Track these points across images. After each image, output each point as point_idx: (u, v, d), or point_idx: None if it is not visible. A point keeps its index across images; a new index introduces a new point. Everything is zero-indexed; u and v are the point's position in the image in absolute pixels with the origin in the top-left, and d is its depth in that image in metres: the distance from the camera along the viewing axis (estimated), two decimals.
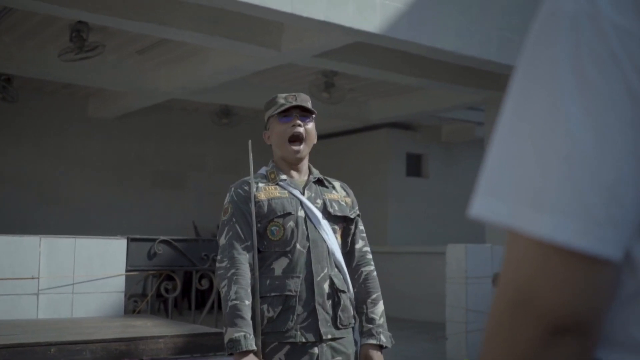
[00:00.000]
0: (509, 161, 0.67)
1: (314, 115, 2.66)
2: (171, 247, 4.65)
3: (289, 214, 2.53)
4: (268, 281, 2.49)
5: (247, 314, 2.37)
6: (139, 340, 3.24)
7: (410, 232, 11.66)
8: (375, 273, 2.70)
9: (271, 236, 2.52)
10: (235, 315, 2.35)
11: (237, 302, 2.37)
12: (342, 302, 2.55)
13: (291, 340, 2.44)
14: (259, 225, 2.51)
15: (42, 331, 3.41)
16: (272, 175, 2.62)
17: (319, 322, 2.47)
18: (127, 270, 4.41)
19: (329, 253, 2.56)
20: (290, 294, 2.47)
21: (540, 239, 0.63)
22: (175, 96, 9.66)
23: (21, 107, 10.02)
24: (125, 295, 4.41)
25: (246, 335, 2.33)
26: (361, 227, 2.74)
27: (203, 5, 6.20)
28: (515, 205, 0.65)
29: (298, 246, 2.51)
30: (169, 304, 4.99)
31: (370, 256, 2.72)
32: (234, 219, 2.52)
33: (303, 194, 2.59)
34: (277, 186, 2.59)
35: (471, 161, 12.39)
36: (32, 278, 4.04)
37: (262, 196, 2.55)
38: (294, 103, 2.60)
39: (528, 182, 0.65)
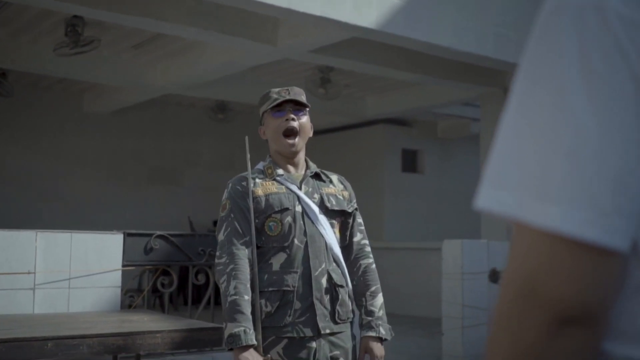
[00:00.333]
0: (515, 153, 0.67)
1: (307, 109, 2.66)
2: (168, 242, 4.65)
3: (287, 209, 2.53)
4: (266, 276, 2.49)
5: (247, 309, 2.37)
6: (136, 334, 3.23)
7: (406, 228, 11.67)
8: (374, 266, 2.70)
9: (269, 231, 2.52)
10: (234, 310, 2.36)
11: (237, 297, 2.37)
12: (340, 297, 2.55)
13: (289, 335, 2.45)
14: (256, 220, 2.51)
15: (38, 326, 3.40)
16: (269, 171, 2.62)
17: (317, 317, 2.47)
18: (123, 265, 4.41)
19: (327, 248, 2.56)
20: (288, 289, 2.47)
21: (547, 230, 0.63)
22: (171, 91, 9.64)
23: (16, 102, 9.99)
24: (121, 290, 4.41)
25: (246, 330, 2.33)
26: (359, 220, 2.75)
27: (199, 0, 6.19)
28: (521, 197, 0.65)
29: (296, 241, 2.51)
30: (165, 299, 4.99)
31: (368, 249, 2.73)
32: (232, 215, 2.52)
33: (300, 188, 2.59)
34: (274, 181, 2.59)
35: (467, 157, 12.40)
36: (29, 273, 4.03)
37: (260, 192, 2.54)
38: (287, 97, 2.60)
39: (534, 173, 0.65)
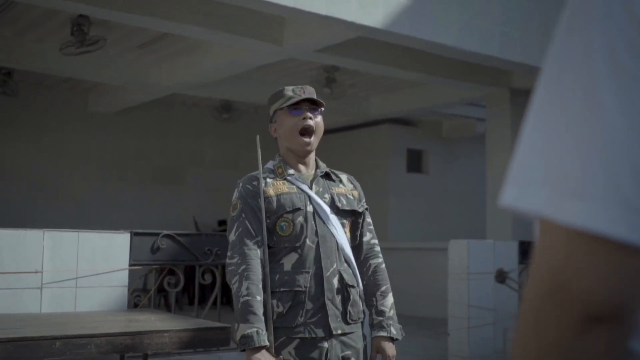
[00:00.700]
0: (542, 149, 0.66)
1: (322, 108, 2.65)
2: (174, 242, 4.64)
3: (298, 209, 2.52)
4: (277, 276, 2.47)
5: (259, 309, 2.36)
6: (143, 334, 3.23)
7: (411, 228, 11.67)
8: (384, 265, 2.69)
9: (280, 232, 2.51)
10: (247, 311, 2.34)
11: (249, 298, 2.36)
12: (351, 297, 2.54)
13: (300, 335, 2.44)
14: (268, 220, 2.50)
15: (46, 325, 3.40)
16: (280, 170, 2.60)
17: (329, 317, 2.46)
18: (130, 265, 4.40)
19: (338, 248, 2.55)
20: (300, 289, 2.46)
21: (574, 227, 0.62)
22: (176, 91, 9.64)
23: (21, 101, 10.00)
24: (128, 290, 4.41)
25: (259, 331, 2.32)
26: (369, 219, 2.74)
27: None
28: (548, 194, 0.64)
29: (307, 241, 2.50)
30: (172, 298, 4.99)
31: (378, 248, 2.72)
32: (243, 215, 2.51)
33: (311, 188, 2.58)
34: (285, 181, 2.57)
35: (472, 157, 12.39)
36: (36, 272, 4.03)
37: (271, 191, 2.53)
38: (305, 96, 2.59)
39: (561, 170, 0.64)
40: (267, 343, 2.33)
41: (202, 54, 8.41)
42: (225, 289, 8.86)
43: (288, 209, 2.51)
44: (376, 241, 2.73)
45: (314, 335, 2.44)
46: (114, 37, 8.02)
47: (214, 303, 5.06)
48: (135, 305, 4.72)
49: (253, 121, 12.14)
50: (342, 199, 2.62)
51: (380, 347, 2.55)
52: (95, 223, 8.84)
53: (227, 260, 2.49)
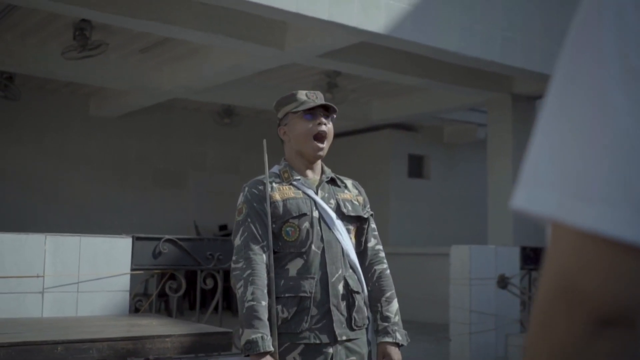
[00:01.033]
0: (553, 151, 0.65)
1: (334, 115, 2.66)
2: (176, 247, 4.63)
3: (305, 214, 2.51)
4: (282, 282, 2.47)
5: (264, 315, 2.35)
6: (145, 339, 3.22)
7: (412, 233, 11.66)
8: (388, 271, 2.68)
9: (286, 237, 2.50)
10: (252, 316, 2.33)
11: (254, 303, 2.35)
12: (356, 303, 2.53)
13: (305, 341, 2.43)
14: (273, 225, 2.49)
15: (47, 329, 3.39)
16: (286, 175, 2.60)
17: (334, 324, 2.46)
18: (132, 269, 4.40)
19: (344, 254, 2.54)
20: (305, 295, 2.45)
21: (586, 230, 0.62)
22: (178, 95, 9.65)
23: (23, 106, 10.01)
24: (130, 295, 4.40)
25: (264, 336, 2.31)
26: (373, 225, 2.73)
27: (207, 3, 6.19)
28: (560, 196, 0.64)
29: (313, 247, 2.49)
30: (174, 303, 4.98)
31: (383, 254, 2.71)
32: (249, 219, 2.50)
33: (316, 193, 2.57)
34: (290, 186, 2.57)
35: (473, 162, 12.39)
36: (37, 276, 4.02)
37: (277, 196, 2.52)
38: (320, 102, 2.60)
39: (573, 172, 0.63)
40: (271, 349, 2.32)
41: (203, 58, 8.41)
42: (226, 294, 8.85)
43: (294, 214, 2.50)
44: (381, 247, 2.73)
45: (318, 342, 2.43)
46: (115, 41, 8.03)
47: (215, 308, 5.05)
48: (137, 310, 4.71)
49: (254, 126, 12.15)
50: (347, 204, 2.62)
51: (386, 353, 2.53)
52: (96, 227, 8.84)
53: (232, 265, 2.48)
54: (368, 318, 2.60)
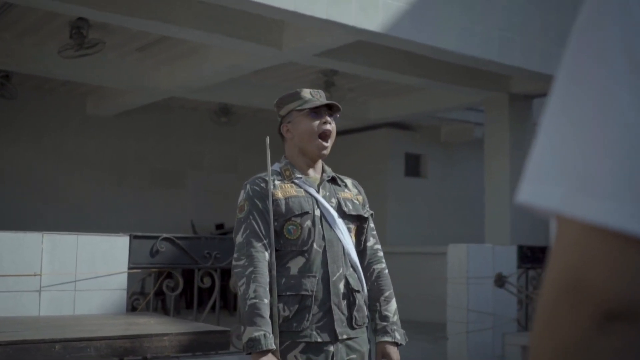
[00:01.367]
0: (559, 146, 0.65)
1: (337, 115, 2.66)
2: (174, 245, 4.63)
3: (307, 213, 2.51)
4: (284, 280, 2.46)
5: (266, 312, 2.35)
6: (143, 337, 3.22)
7: (409, 232, 11.66)
8: (387, 271, 2.69)
9: (288, 235, 2.50)
10: (254, 314, 2.33)
11: (256, 300, 2.35)
12: (357, 302, 2.54)
13: (306, 339, 2.43)
14: (275, 223, 2.49)
15: (45, 328, 3.39)
16: (287, 173, 2.60)
17: (335, 322, 2.46)
18: (129, 268, 4.39)
19: (345, 253, 2.55)
20: (307, 293, 2.45)
21: (592, 224, 0.62)
22: (175, 94, 9.64)
23: (20, 104, 9.99)
24: (127, 293, 4.39)
25: (266, 334, 2.31)
26: (372, 225, 2.74)
27: (205, 2, 6.18)
28: (565, 191, 0.64)
29: (315, 246, 2.49)
30: (171, 302, 4.97)
31: (381, 254, 2.72)
32: (251, 217, 2.49)
33: (318, 192, 2.57)
34: (292, 184, 2.57)
35: (470, 162, 12.40)
36: (35, 275, 4.01)
37: (279, 194, 2.52)
38: (326, 101, 2.61)
39: (579, 166, 0.63)
40: (274, 347, 2.32)
41: (201, 57, 8.40)
42: (223, 293, 8.84)
43: (296, 213, 2.50)
44: (379, 246, 2.74)
45: (319, 340, 2.43)
46: (113, 40, 8.01)
47: (213, 307, 5.05)
48: (134, 309, 4.71)
49: (252, 125, 12.14)
50: (348, 203, 2.63)
51: (385, 352, 2.54)
52: (93, 226, 8.82)
53: (234, 262, 2.48)
54: (368, 317, 2.60)
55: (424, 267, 9.76)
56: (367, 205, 2.74)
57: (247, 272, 2.40)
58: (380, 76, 8.62)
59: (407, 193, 11.99)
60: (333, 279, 2.49)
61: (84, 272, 4.18)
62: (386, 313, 2.59)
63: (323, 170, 2.67)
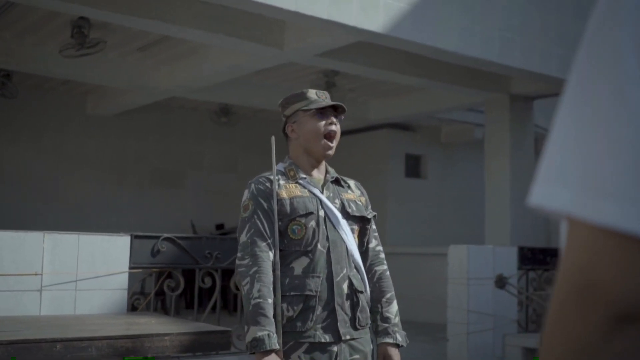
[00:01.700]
0: (571, 147, 0.65)
1: (342, 116, 2.66)
2: (175, 245, 4.63)
3: (311, 213, 2.52)
4: (287, 280, 2.46)
5: (270, 312, 2.35)
6: (144, 337, 3.22)
7: (409, 233, 11.66)
8: (388, 272, 2.70)
9: (292, 235, 2.50)
10: (258, 313, 2.33)
11: (260, 300, 2.34)
12: (360, 303, 2.54)
13: (310, 340, 2.43)
14: (280, 223, 2.49)
15: (46, 327, 3.39)
16: (292, 173, 2.60)
17: (338, 323, 2.46)
18: (130, 268, 4.39)
19: (348, 253, 2.55)
20: (311, 293, 2.45)
21: (604, 226, 0.61)
22: (176, 94, 9.63)
23: (20, 103, 9.98)
24: (128, 293, 4.39)
25: (270, 334, 2.31)
26: (374, 226, 2.75)
27: (206, 2, 6.18)
28: (577, 193, 0.64)
29: (319, 246, 2.50)
30: (172, 301, 4.97)
31: (383, 255, 2.73)
32: (255, 216, 2.49)
33: (322, 193, 2.58)
34: (297, 184, 2.57)
35: (470, 162, 12.40)
36: (36, 274, 4.01)
37: (284, 194, 2.52)
38: (333, 102, 2.62)
39: (591, 168, 0.63)
40: (277, 347, 2.32)
41: (201, 57, 8.40)
42: (223, 293, 8.84)
43: (301, 213, 2.51)
44: (381, 248, 2.75)
45: (323, 340, 2.43)
46: (114, 39, 8.01)
47: (213, 307, 5.04)
48: (134, 309, 4.70)
49: (252, 125, 12.14)
50: (351, 204, 2.63)
51: (386, 354, 2.54)
52: (93, 225, 8.82)
53: (237, 261, 2.47)
54: (369, 317, 2.61)
55: (424, 267, 9.76)
56: (370, 207, 2.75)
57: (251, 272, 2.40)
58: (380, 76, 8.62)
59: (407, 194, 11.98)
60: (337, 279, 2.49)
61: (84, 271, 4.18)
62: (387, 315, 2.60)
63: (327, 171, 2.67)
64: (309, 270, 2.47)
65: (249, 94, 9.83)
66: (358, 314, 2.52)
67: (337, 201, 2.60)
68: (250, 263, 2.41)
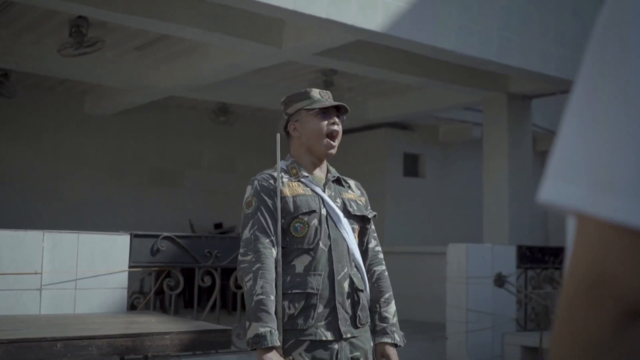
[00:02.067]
0: (580, 144, 0.65)
1: (344, 117, 2.67)
2: (174, 244, 4.63)
3: (314, 211, 2.53)
4: (289, 278, 2.47)
5: (272, 309, 2.36)
6: (144, 336, 3.22)
7: (407, 232, 11.66)
8: (386, 273, 2.72)
9: (294, 233, 2.51)
10: (260, 310, 2.34)
11: (263, 297, 2.35)
12: (361, 302, 2.56)
13: (311, 337, 2.44)
14: (283, 220, 2.50)
15: (46, 326, 3.39)
16: (294, 171, 2.61)
17: (339, 321, 2.47)
18: (130, 267, 4.39)
19: (349, 252, 2.56)
20: (312, 291, 2.46)
21: (614, 222, 0.62)
22: (174, 93, 9.62)
23: (18, 103, 9.96)
24: (128, 292, 4.39)
25: (272, 331, 2.32)
26: (373, 226, 2.77)
27: (204, 1, 6.18)
28: (587, 189, 0.64)
29: (320, 244, 2.51)
30: (172, 300, 4.97)
31: (382, 255, 2.74)
32: (258, 212, 2.50)
33: (324, 192, 2.59)
34: (299, 182, 2.58)
35: (468, 161, 12.40)
36: (35, 273, 4.01)
37: (287, 192, 2.54)
38: (335, 102, 2.64)
39: (601, 165, 0.63)
40: (278, 343, 2.33)
41: (200, 56, 8.39)
42: (222, 292, 8.84)
43: (304, 211, 2.52)
44: (380, 248, 2.77)
45: (324, 338, 2.44)
46: (112, 38, 8.00)
47: (213, 306, 5.04)
48: (133, 307, 4.70)
49: (250, 124, 12.13)
50: (352, 204, 2.65)
51: (384, 353, 2.56)
52: (92, 225, 8.81)
53: (240, 257, 2.48)
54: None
55: (422, 266, 9.76)
56: (369, 207, 2.76)
57: (254, 268, 2.40)
58: (379, 75, 8.62)
59: (405, 193, 11.98)
60: (338, 277, 2.50)
61: (84, 270, 4.18)
62: (386, 315, 2.62)
63: (328, 171, 2.68)
64: (311, 268, 2.48)
65: (248, 93, 9.83)
66: (359, 312, 2.53)
67: (339, 200, 2.61)
68: (254, 259, 2.42)
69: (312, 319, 2.44)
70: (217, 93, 9.87)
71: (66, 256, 4.13)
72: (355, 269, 2.58)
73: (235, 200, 11.48)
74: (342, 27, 6.38)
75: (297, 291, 2.45)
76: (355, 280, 2.55)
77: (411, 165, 12.34)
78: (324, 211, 2.54)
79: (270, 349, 2.30)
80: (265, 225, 2.47)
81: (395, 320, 2.63)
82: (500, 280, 6.52)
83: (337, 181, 2.69)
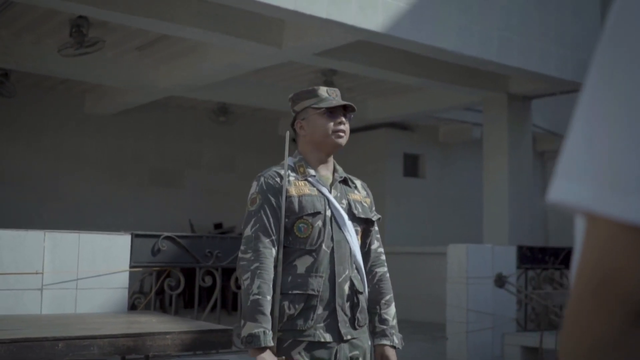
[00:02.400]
0: (589, 144, 0.66)
1: (352, 115, 2.67)
2: (175, 244, 4.63)
3: (319, 212, 2.52)
4: (290, 278, 2.47)
5: (268, 309, 2.37)
6: (145, 336, 3.22)
7: (407, 232, 11.66)
8: (388, 274, 2.72)
9: (298, 233, 2.50)
10: (256, 310, 2.35)
11: (259, 297, 2.36)
12: (360, 304, 2.56)
13: (310, 338, 2.44)
14: (286, 220, 2.49)
15: (47, 326, 3.39)
16: (302, 169, 2.60)
17: (339, 323, 2.47)
18: (130, 267, 4.39)
19: (351, 254, 2.56)
20: (313, 293, 2.46)
21: (623, 221, 0.62)
22: (174, 93, 9.62)
23: (18, 103, 9.96)
24: (129, 292, 4.39)
25: (265, 331, 2.33)
26: (377, 228, 2.76)
27: (204, 1, 6.18)
28: (597, 189, 0.64)
29: (323, 246, 2.50)
30: (173, 300, 4.97)
31: (384, 257, 2.74)
32: (262, 211, 2.49)
33: (330, 192, 2.58)
34: (306, 182, 2.57)
35: (468, 162, 12.40)
36: (36, 273, 4.01)
37: (293, 191, 2.53)
38: (343, 101, 2.62)
39: (609, 164, 0.63)
40: (272, 344, 2.34)
41: (200, 56, 8.39)
42: (222, 292, 8.83)
43: (309, 212, 2.51)
44: (382, 250, 2.76)
45: (322, 340, 2.44)
46: (112, 38, 8.00)
47: (214, 306, 5.04)
48: (134, 307, 4.70)
49: (250, 124, 12.13)
50: (357, 206, 2.64)
51: (384, 355, 2.57)
52: (91, 225, 8.80)
53: (240, 254, 2.48)
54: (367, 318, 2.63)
55: (422, 267, 9.77)
56: (374, 208, 2.76)
57: (252, 267, 2.40)
58: (379, 75, 8.62)
59: (405, 193, 11.99)
60: (339, 280, 2.50)
61: (85, 270, 4.18)
62: (386, 316, 2.62)
63: (335, 170, 2.67)
64: (312, 270, 2.48)
65: (247, 92, 9.83)
66: (357, 314, 2.54)
67: (344, 201, 2.60)
68: (253, 258, 2.42)
69: (312, 320, 2.44)
70: (216, 93, 9.87)
71: (67, 256, 4.13)
72: (355, 271, 2.58)
73: (235, 200, 11.49)
74: (342, 27, 6.38)
75: (298, 292, 2.45)
76: (355, 282, 2.55)
77: (411, 166, 12.35)
78: (328, 212, 2.54)
79: (263, 349, 2.31)
80: (268, 225, 2.46)
81: (394, 322, 2.64)
82: (500, 281, 6.52)
83: (344, 181, 2.68)
